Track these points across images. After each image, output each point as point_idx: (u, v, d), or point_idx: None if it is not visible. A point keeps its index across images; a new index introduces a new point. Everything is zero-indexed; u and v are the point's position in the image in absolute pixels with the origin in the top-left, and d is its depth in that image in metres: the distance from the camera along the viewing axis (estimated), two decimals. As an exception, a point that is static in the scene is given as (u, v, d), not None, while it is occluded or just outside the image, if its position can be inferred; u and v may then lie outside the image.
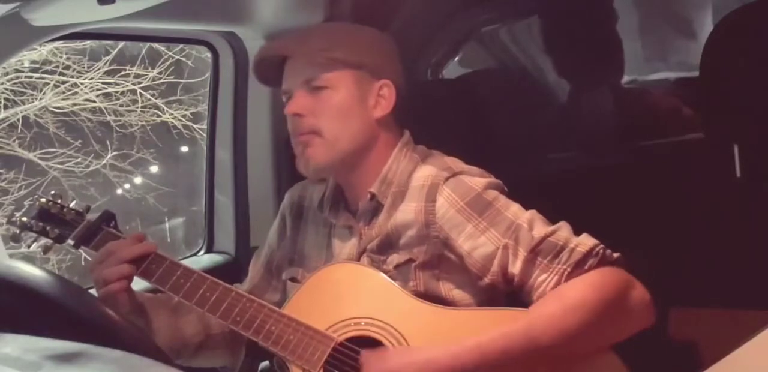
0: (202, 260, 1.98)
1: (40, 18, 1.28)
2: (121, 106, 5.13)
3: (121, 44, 4.87)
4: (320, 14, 1.81)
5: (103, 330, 0.98)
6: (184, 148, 5.46)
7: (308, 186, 1.48)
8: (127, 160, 5.20)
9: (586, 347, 1.21)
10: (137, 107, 5.15)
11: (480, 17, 2.28)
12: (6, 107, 4.91)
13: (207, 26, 1.84)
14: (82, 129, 5.09)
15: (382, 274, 1.30)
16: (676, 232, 1.62)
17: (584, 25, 1.99)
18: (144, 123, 5.21)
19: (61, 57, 4.93)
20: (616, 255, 1.25)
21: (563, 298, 1.20)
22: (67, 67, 4.97)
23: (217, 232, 2.03)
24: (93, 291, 1.31)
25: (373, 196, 1.34)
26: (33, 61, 4.92)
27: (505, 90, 2.19)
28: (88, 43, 4.87)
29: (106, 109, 5.10)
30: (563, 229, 1.26)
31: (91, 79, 5.02)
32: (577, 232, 1.26)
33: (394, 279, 1.30)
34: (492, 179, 1.33)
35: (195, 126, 5.14)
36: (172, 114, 5.21)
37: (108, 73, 5.04)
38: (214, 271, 1.71)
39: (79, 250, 1.41)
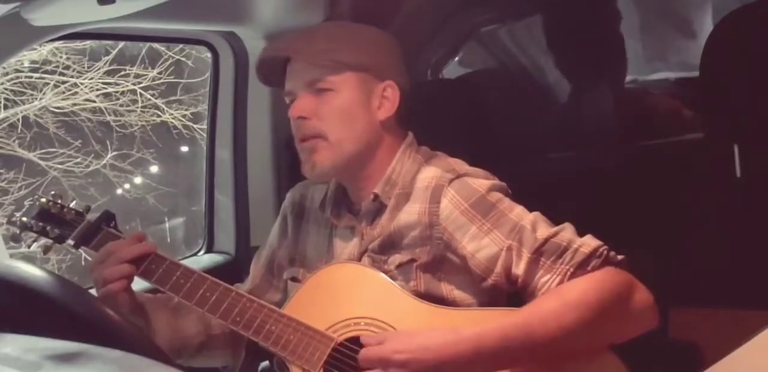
0: (202, 260, 1.98)
1: (40, 18, 1.28)
2: (121, 106, 5.13)
3: (121, 44, 4.86)
4: (320, 14, 1.81)
5: (103, 330, 0.98)
6: (184, 148, 5.45)
7: (309, 186, 1.48)
8: (127, 160, 5.19)
9: (583, 346, 1.20)
10: (137, 107, 5.15)
11: (480, 17, 2.28)
12: (6, 107, 4.90)
13: (207, 26, 1.84)
14: (82, 129, 5.09)
15: (383, 275, 1.30)
16: (676, 232, 1.62)
17: (586, 25, 1.99)
18: (144, 123, 5.20)
19: (61, 57, 4.93)
20: (620, 257, 1.25)
21: (563, 295, 1.20)
22: (67, 67, 4.96)
23: (217, 232, 2.04)
24: (93, 291, 1.31)
25: (376, 197, 1.34)
26: (33, 61, 4.91)
27: (505, 90, 2.19)
28: (88, 43, 4.87)
29: (106, 109, 5.09)
30: (567, 230, 1.25)
31: (91, 79, 5.01)
32: (578, 233, 1.26)
33: (394, 278, 1.30)
34: (496, 181, 1.32)
35: (195, 126, 5.13)
36: (172, 114, 5.20)
37: (108, 73, 5.03)
38: (214, 271, 1.72)
39: (79, 250, 1.41)
